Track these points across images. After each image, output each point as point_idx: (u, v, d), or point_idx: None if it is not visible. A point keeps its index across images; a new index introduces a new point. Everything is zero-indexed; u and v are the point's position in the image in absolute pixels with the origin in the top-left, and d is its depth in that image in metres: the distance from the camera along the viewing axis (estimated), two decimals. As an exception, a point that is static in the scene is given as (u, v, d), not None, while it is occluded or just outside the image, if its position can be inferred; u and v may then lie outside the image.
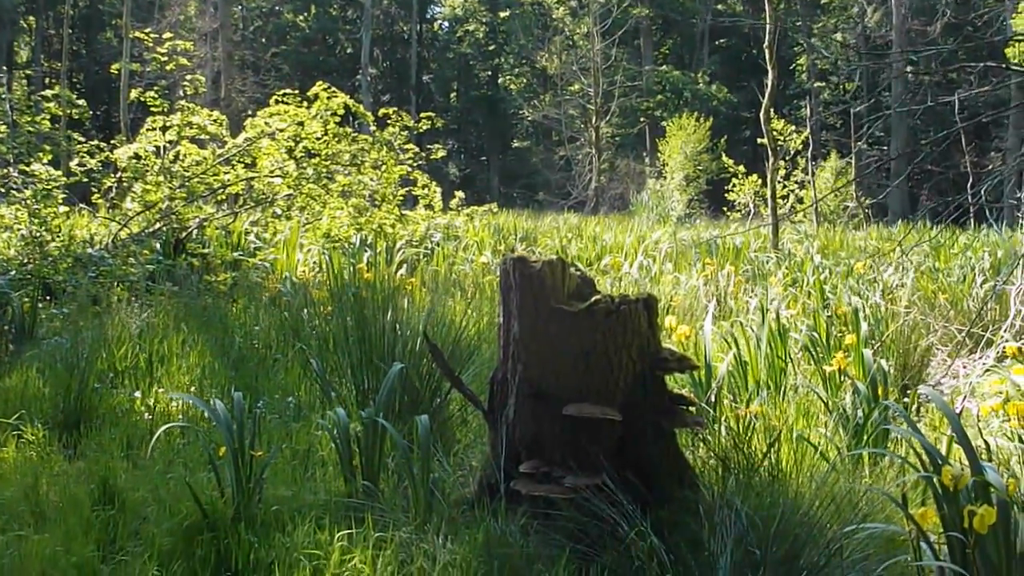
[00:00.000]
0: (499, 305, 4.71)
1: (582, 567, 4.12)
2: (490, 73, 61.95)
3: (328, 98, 14.38)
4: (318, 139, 14.51)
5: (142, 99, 13.97)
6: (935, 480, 3.51)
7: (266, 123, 14.11)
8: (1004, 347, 7.42)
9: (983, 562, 3.34)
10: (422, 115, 16.70)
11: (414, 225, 16.00)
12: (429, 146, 17.36)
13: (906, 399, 7.13)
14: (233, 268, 12.81)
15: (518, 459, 4.59)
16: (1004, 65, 6.72)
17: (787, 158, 25.16)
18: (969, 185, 6.50)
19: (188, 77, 15.38)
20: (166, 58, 14.77)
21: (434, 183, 16.57)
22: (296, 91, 14.72)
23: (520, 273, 4.51)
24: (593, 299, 4.51)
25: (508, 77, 59.96)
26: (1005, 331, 7.79)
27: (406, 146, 15.93)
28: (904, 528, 3.63)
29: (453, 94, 64.00)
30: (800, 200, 25.82)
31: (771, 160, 17.84)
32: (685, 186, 33.03)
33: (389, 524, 4.40)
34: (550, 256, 4.64)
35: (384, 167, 15.43)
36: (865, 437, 6.02)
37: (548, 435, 4.53)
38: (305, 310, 8.92)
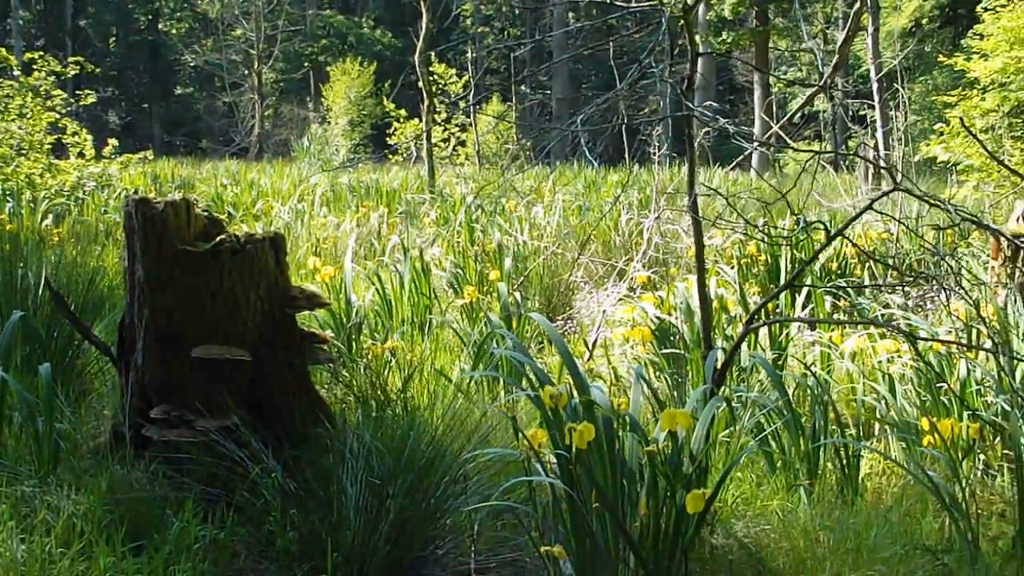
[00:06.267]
0: (123, 248, 4.60)
1: (211, 508, 4.10)
2: (150, 17, 59.65)
3: (-35, 42, 13.68)
4: (-45, 85, 13.83)
5: None
6: (542, 400, 3.65)
7: None
8: (635, 276, 7.80)
9: (588, 478, 3.50)
10: (71, 59, 16.09)
11: (64, 175, 15.39)
12: (78, 92, 16.75)
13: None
14: None
15: (150, 404, 4.51)
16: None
17: (448, 102, 25.42)
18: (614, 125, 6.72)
19: None
20: None
21: (85, 131, 16.00)
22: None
23: (142, 214, 4.41)
24: (218, 239, 4.46)
25: (169, 22, 58.13)
26: (637, 261, 8.15)
27: (53, 92, 15.31)
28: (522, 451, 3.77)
29: (112, 39, 61.33)
30: (462, 143, 26.18)
31: (427, 103, 18.09)
32: (350, 131, 33.01)
33: (11, 479, 4.25)
34: (173, 196, 4.55)
35: (31, 114, 14.83)
36: (485, 365, 6.21)
37: (178, 379, 4.47)
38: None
